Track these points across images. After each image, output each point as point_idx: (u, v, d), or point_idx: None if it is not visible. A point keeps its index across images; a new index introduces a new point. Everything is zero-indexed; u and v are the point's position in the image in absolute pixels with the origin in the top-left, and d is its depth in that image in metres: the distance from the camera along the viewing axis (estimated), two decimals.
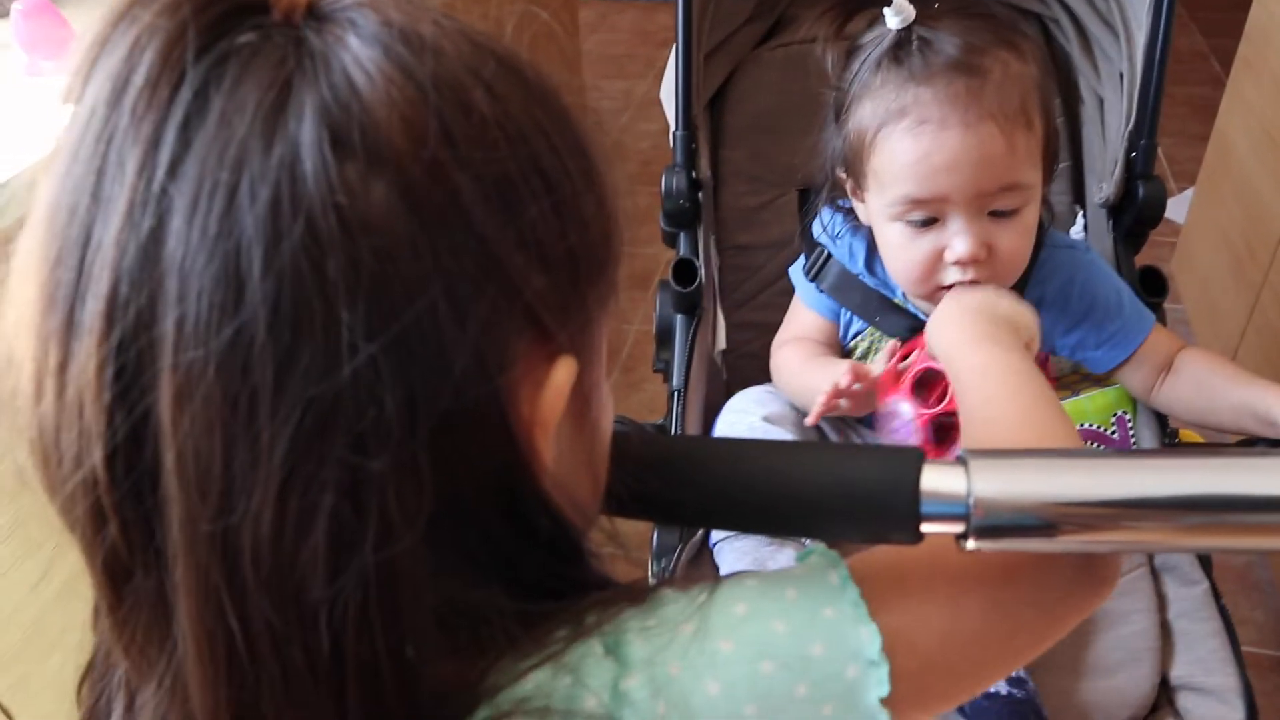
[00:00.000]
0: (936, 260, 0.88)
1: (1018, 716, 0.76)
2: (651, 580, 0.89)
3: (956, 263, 0.86)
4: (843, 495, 0.43)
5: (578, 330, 0.42)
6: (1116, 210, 1.07)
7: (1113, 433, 0.98)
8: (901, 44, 0.86)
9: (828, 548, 0.45)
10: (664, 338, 1.03)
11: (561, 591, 0.42)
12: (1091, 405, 0.99)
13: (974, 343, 0.68)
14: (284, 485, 0.34)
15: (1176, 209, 2.76)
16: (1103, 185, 1.07)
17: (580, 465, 0.45)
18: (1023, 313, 0.77)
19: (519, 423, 0.39)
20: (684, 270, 1.02)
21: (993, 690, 0.76)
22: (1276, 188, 1.89)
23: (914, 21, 0.85)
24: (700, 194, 1.08)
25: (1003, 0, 1.19)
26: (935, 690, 0.45)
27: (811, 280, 1.03)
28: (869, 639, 0.41)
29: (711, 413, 1.00)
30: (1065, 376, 1.05)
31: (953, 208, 0.86)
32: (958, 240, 0.86)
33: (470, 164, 0.36)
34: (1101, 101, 1.12)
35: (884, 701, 0.41)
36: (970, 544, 0.42)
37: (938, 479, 0.42)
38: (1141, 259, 2.94)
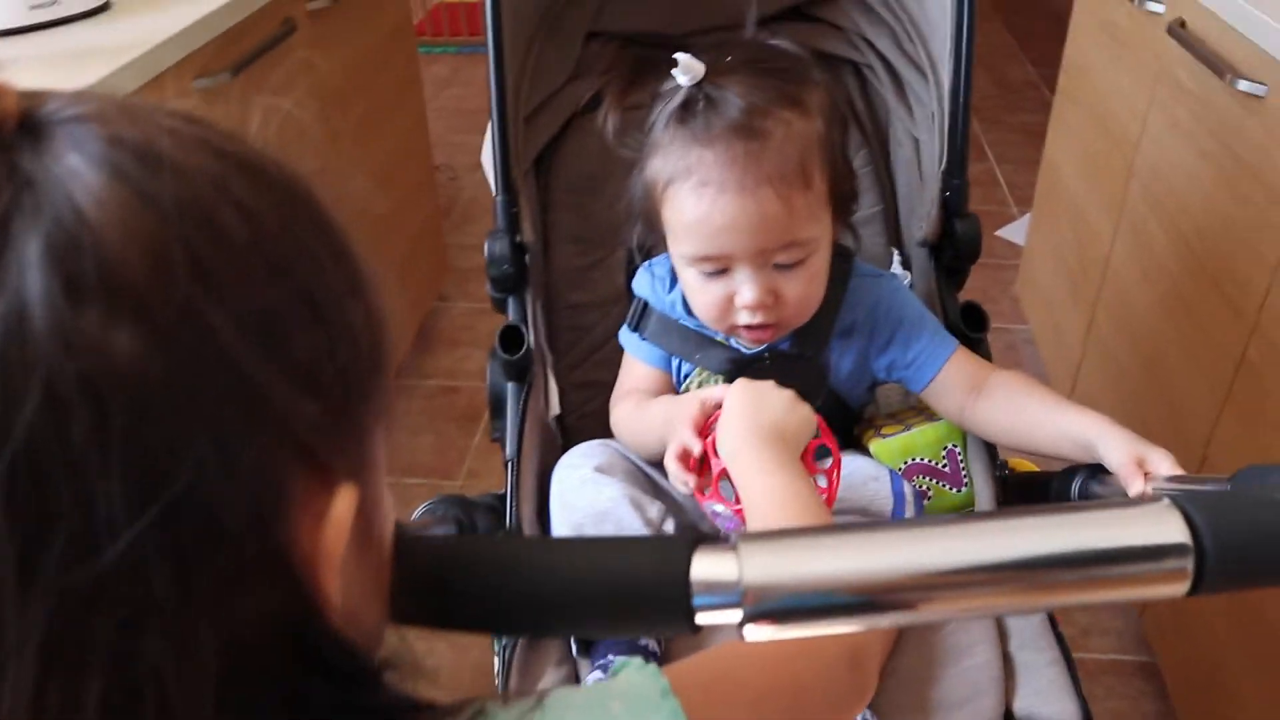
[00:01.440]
0: (729, 304, 0.92)
1: None
2: (496, 673, 0.87)
3: (744, 308, 0.90)
4: (617, 590, 0.41)
5: (355, 451, 0.39)
6: (936, 249, 1.10)
7: (943, 466, 1.00)
8: (689, 102, 0.87)
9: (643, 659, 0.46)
10: (497, 406, 1.02)
11: None
12: (922, 439, 1.00)
13: (759, 473, 0.75)
14: (40, 679, 0.30)
15: (1017, 233, 2.88)
16: (923, 225, 1.10)
17: (367, 587, 0.42)
18: (800, 419, 0.83)
19: (301, 564, 0.36)
20: (511, 337, 1.01)
21: None
22: (1101, 209, 1.98)
23: (705, 77, 0.87)
24: (526, 257, 1.07)
25: (816, 49, 1.22)
26: None
27: (634, 330, 1.04)
28: None
29: (549, 478, 0.98)
30: (898, 412, 1.07)
31: (737, 261, 0.90)
32: (744, 289, 0.90)
33: (227, 297, 0.33)
34: (917, 143, 1.15)
35: None
36: (747, 632, 0.41)
37: (709, 567, 0.40)
38: (988, 281, 3.02)
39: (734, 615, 0.40)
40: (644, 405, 1.01)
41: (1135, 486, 0.78)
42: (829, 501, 0.85)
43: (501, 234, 1.04)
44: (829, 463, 0.87)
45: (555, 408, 1.11)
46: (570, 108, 1.17)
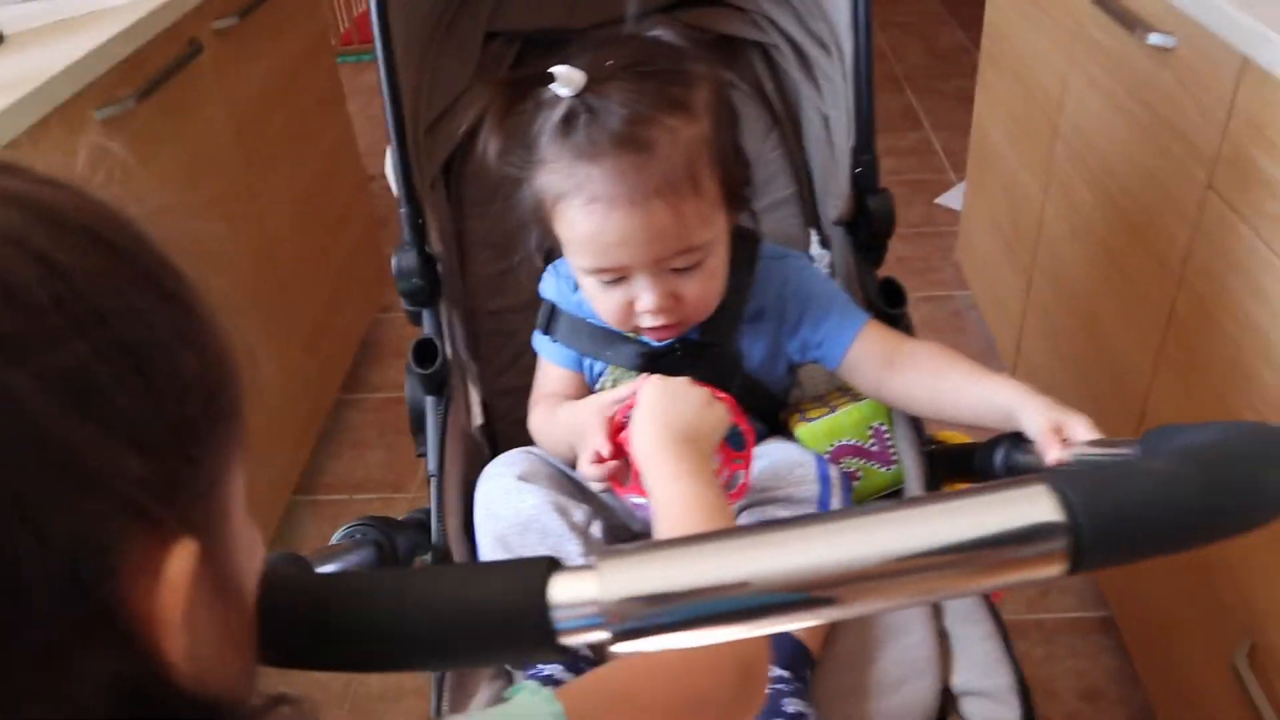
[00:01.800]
0: (630, 308, 0.91)
1: None
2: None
3: (646, 313, 0.90)
4: (477, 619, 0.40)
5: (196, 503, 0.37)
6: (851, 226, 1.09)
7: (871, 445, 0.99)
8: (571, 115, 0.85)
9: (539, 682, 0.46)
10: (418, 423, 1.00)
11: None
12: (847, 420, 0.99)
13: (668, 478, 0.74)
14: None
15: (955, 199, 2.88)
16: (837, 203, 1.09)
17: (225, 638, 0.40)
18: (714, 419, 0.82)
19: (136, 626, 0.34)
20: (425, 351, 0.99)
21: None
22: (1030, 172, 1.99)
23: (585, 86, 0.84)
24: (438, 267, 1.05)
25: (720, 33, 1.20)
26: None
27: (545, 333, 1.03)
28: None
29: (475, 490, 0.97)
30: (824, 394, 1.06)
31: (634, 270, 0.89)
32: (643, 296, 0.90)
33: (26, 358, 0.31)
34: (827, 120, 1.14)
35: None
36: (617, 648, 0.39)
37: (568, 588, 0.39)
38: (929, 249, 3.03)
39: (600, 635, 0.39)
40: (553, 412, 0.99)
41: (1052, 454, 0.78)
42: (742, 489, 0.85)
43: (408, 247, 1.02)
44: (744, 449, 0.87)
45: (478, 418, 1.09)
46: (474, 113, 1.15)
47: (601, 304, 0.93)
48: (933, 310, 2.57)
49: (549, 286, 1.05)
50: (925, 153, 3.28)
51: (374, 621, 0.41)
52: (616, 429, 0.85)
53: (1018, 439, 0.86)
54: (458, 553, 0.93)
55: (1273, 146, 1.16)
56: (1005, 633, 0.86)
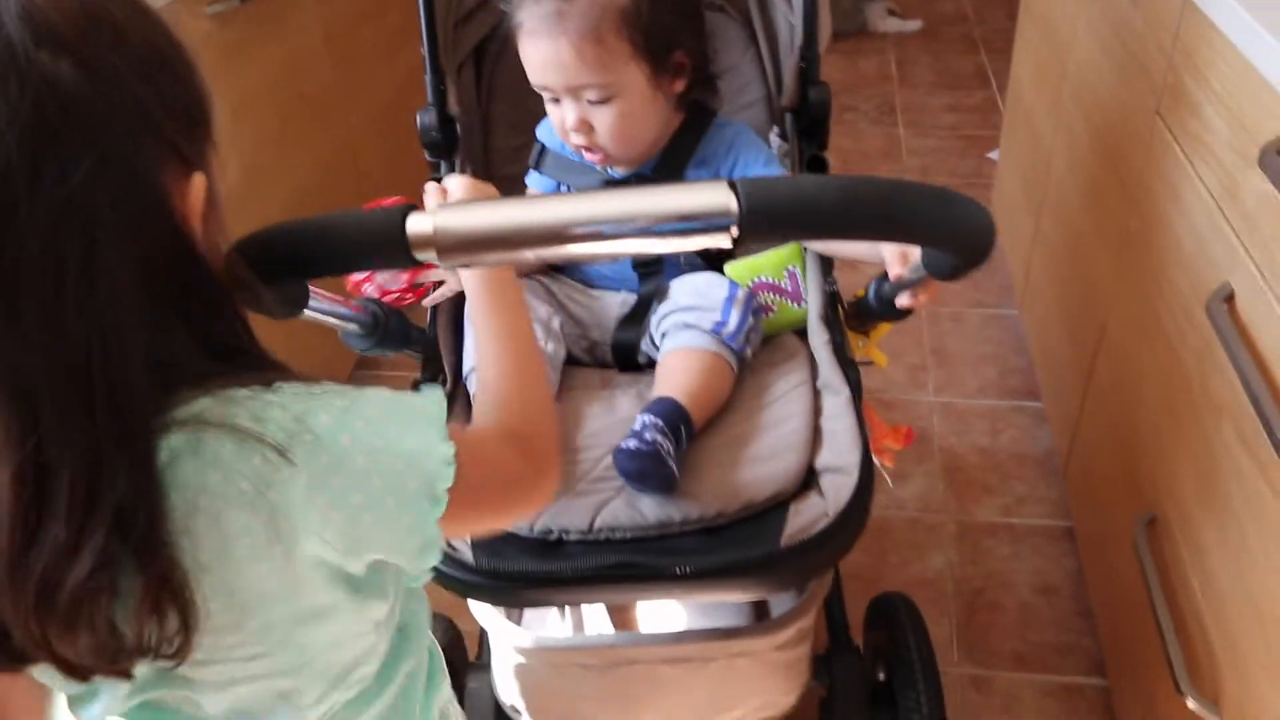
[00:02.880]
0: (564, 125, 1.18)
1: (648, 461, 1.00)
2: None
3: (569, 130, 1.17)
4: (363, 235, 0.66)
5: (201, 157, 0.65)
6: (796, 113, 1.30)
7: (785, 284, 1.21)
8: None
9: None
10: None
11: (242, 361, 0.63)
12: (766, 262, 1.21)
13: None
14: (55, 229, 0.54)
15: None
16: (786, 92, 1.31)
17: (213, 241, 0.67)
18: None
19: (177, 212, 0.62)
20: None
21: (625, 446, 1.01)
22: (1045, 113, 2.14)
23: None
24: (458, 129, 1.31)
25: None
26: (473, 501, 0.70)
27: (535, 168, 1.31)
28: (446, 450, 0.66)
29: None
30: None
31: (559, 93, 1.16)
32: (566, 115, 1.17)
33: (121, 51, 0.58)
34: (793, 28, 1.35)
35: (448, 490, 0.65)
36: (442, 261, 0.64)
37: (415, 224, 0.64)
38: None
39: (432, 252, 0.63)
40: None
41: (894, 269, 0.99)
42: None
43: (430, 108, 1.28)
44: None
45: None
46: (495, 15, 1.41)
47: (551, 118, 1.21)
48: None
49: (543, 130, 1.32)
50: (988, 110, 3.41)
51: (299, 240, 0.66)
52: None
53: (886, 276, 1.07)
54: (443, 342, 1.19)
55: (1198, 72, 1.32)
56: (863, 428, 1.06)
